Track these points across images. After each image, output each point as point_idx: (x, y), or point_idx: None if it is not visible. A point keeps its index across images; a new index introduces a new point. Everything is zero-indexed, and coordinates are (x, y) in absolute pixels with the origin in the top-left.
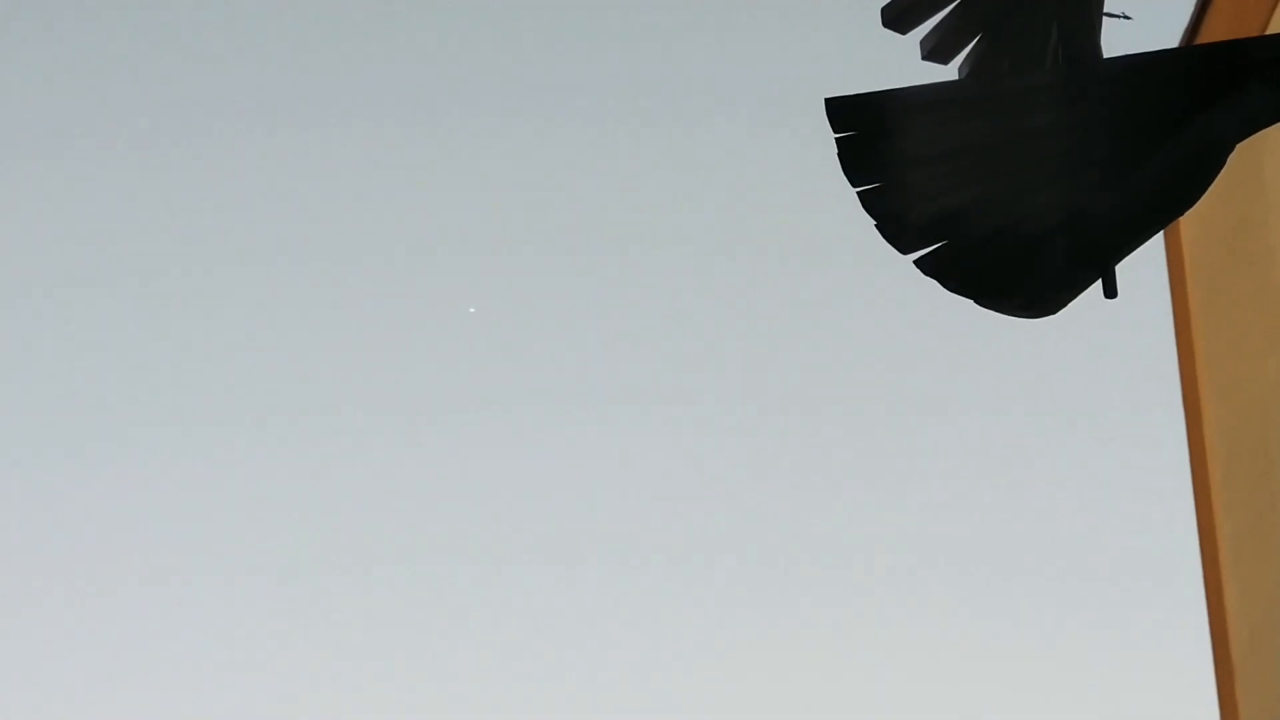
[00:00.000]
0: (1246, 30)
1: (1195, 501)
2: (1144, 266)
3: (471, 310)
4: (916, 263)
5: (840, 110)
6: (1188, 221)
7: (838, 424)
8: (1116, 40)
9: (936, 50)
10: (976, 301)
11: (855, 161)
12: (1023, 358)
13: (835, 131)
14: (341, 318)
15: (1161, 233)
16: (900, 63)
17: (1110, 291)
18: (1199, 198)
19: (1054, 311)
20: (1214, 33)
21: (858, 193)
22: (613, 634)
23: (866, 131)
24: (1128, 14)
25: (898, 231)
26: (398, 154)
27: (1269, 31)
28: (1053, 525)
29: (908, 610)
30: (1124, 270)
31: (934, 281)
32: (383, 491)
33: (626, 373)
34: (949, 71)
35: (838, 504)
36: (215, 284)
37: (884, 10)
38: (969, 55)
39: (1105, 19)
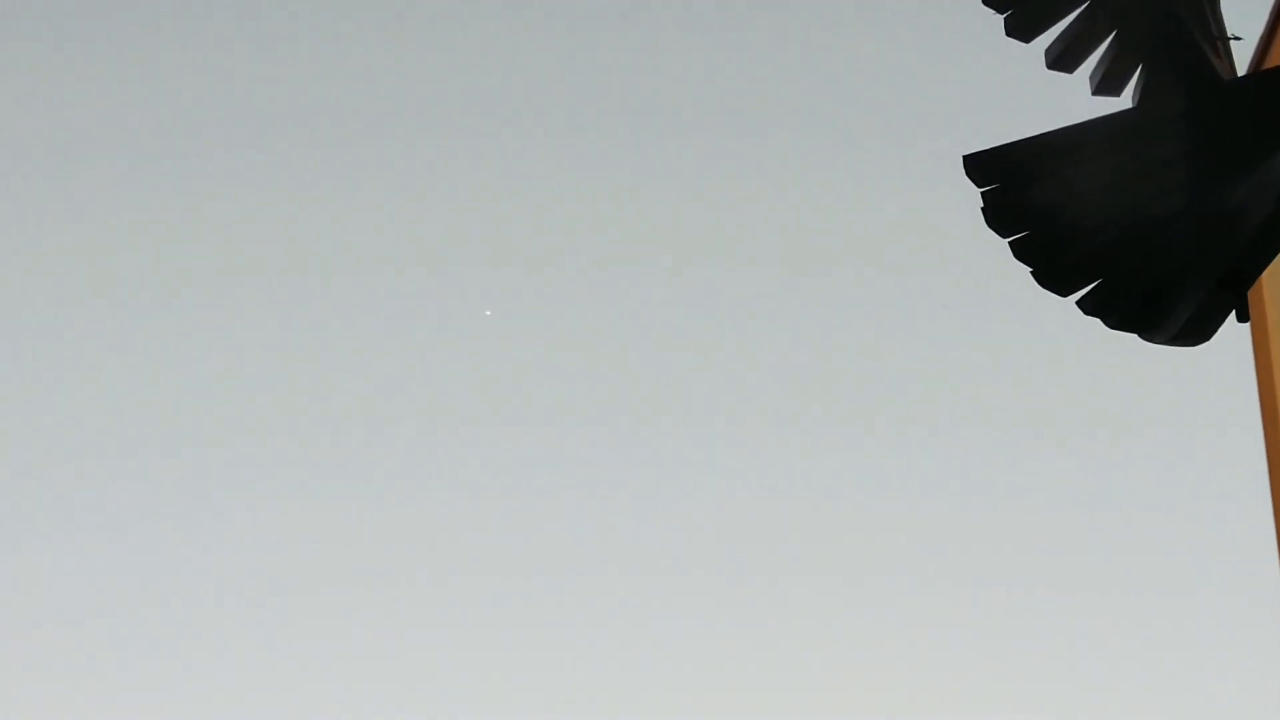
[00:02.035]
0: None
1: (1274, 513)
2: None
3: (488, 313)
4: (1078, 303)
5: (979, 165)
6: None
7: (905, 436)
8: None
9: (1104, 83)
10: (1140, 336)
11: (1001, 213)
12: (1105, 373)
13: (978, 186)
14: (358, 322)
15: None
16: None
17: (1243, 315)
18: None
19: (1208, 338)
20: None
21: (1009, 243)
22: (617, 637)
23: (1007, 183)
24: (1237, 35)
25: (1053, 276)
26: (416, 159)
27: None
28: (1132, 538)
29: (972, 617)
30: None
31: (1096, 320)
32: (396, 492)
33: (638, 377)
34: (1123, 102)
35: (910, 517)
36: (230, 290)
37: (1047, 53)
38: (1136, 84)
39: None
